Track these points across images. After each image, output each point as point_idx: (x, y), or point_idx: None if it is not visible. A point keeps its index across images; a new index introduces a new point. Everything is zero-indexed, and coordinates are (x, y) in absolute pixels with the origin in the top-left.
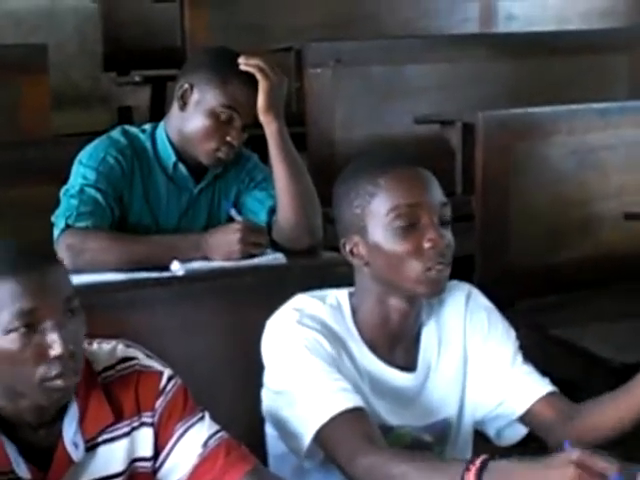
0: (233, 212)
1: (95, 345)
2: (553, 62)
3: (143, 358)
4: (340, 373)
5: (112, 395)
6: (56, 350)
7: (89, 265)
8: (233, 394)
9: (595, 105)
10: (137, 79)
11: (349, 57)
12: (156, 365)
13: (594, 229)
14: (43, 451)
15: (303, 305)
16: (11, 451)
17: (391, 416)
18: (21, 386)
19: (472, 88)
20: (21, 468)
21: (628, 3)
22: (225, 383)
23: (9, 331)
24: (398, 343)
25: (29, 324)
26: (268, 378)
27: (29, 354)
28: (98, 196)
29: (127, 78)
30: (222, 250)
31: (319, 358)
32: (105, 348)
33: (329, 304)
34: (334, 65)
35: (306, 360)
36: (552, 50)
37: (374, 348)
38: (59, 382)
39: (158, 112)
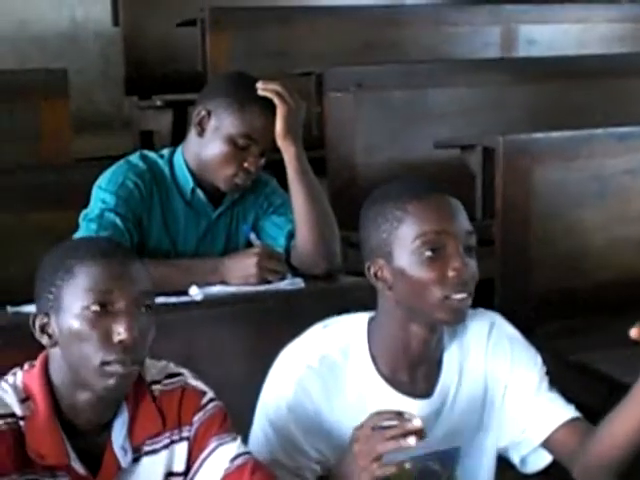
0: (253, 237)
1: (147, 359)
2: (573, 86)
3: (190, 377)
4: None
5: (158, 407)
6: (122, 335)
7: None
8: (252, 418)
9: (615, 129)
10: (159, 103)
11: (370, 82)
12: (201, 385)
13: (614, 254)
14: (92, 456)
15: (312, 354)
16: (69, 448)
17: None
18: (83, 368)
19: (493, 113)
20: (78, 464)
21: None
22: (245, 407)
23: (83, 308)
24: (418, 368)
25: (103, 304)
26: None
27: (96, 334)
28: (117, 221)
29: (149, 102)
30: (239, 274)
31: (293, 427)
32: (156, 363)
33: (339, 349)
34: (355, 90)
35: (282, 426)
36: (572, 74)
37: (392, 377)
38: (118, 367)
39: (179, 136)
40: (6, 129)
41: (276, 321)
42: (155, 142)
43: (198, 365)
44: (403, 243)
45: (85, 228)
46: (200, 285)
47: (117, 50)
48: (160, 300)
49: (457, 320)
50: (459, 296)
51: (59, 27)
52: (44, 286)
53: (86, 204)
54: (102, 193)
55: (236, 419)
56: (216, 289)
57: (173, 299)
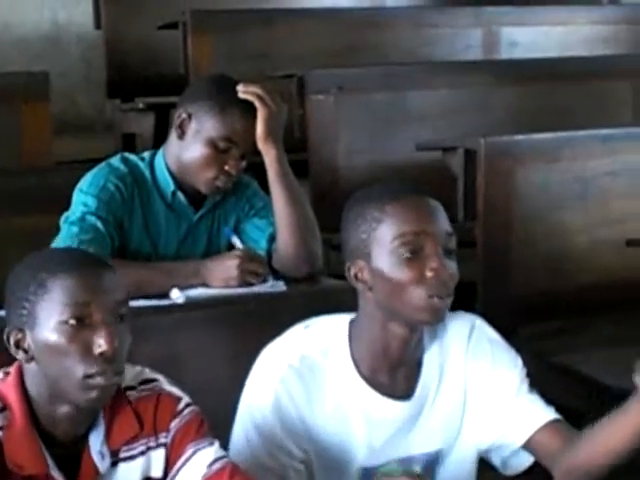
0: (234, 239)
1: None
2: (556, 88)
3: (165, 382)
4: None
5: (134, 411)
6: (102, 347)
7: None
8: (233, 421)
9: (598, 131)
10: (141, 106)
11: (351, 84)
12: (177, 391)
13: (596, 256)
14: (70, 463)
15: (293, 354)
16: (48, 456)
17: (383, 447)
18: (64, 382)
19: (475, 115)
20: (57, 472)
21: (631, 30)
22: (226, 410)
23: (60, 323)
24: (398, 369)
25: (80, 317)
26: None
27: (76, 348)
28: (98, 224)
29: (131, 105)
30: (220, 277)
31: (280, 429)
32: (131, 369)
33: (320, 350)
34: (336, 92)
35: (264, 425)
36: (555, 76)
37: (372, 378)
38: (100, 380)
39: (161, 139)
40: None
41: (258, 324)
42: (137, 145)
43: (180, 368)
44: (382, 244)
45: (67, 231)
46: (182, 288)
47: (99, 53)
48: (141, 303)
49: (436, 320)
50: (438, 296)
51: (41, 30)
52: (16, 301)
53: (68, 207)
54: (83, 196)
55: (218, 422)
56: (197, 292)
57: (154, 302)
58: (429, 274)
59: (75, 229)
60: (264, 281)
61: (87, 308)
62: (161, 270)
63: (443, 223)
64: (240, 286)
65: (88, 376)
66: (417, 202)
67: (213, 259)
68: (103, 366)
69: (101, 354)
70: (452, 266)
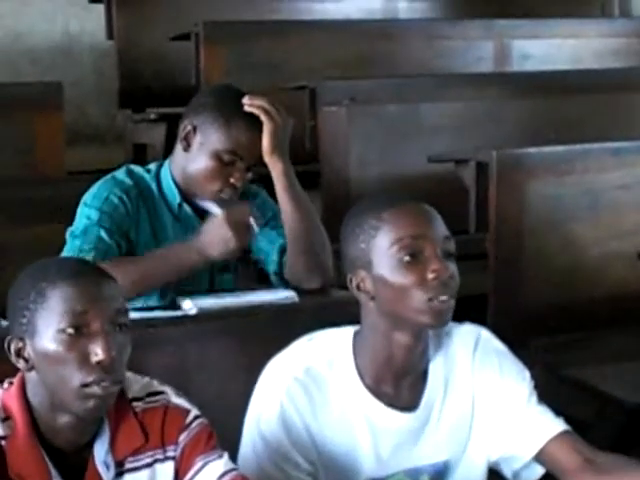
0: (210, 205)
1: (130, 374)
2: (567, 101)
3: (173, 395)
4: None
5: (139, 422)
6: (99, 356)
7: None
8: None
9: (609, 144)
10: (152, 117)
11: (363, 96)
12: (185, 403)
13: (608, 268)
14: (75, 474)
15: (298, 366)
16: (51, 467)
17: (390, 457)
18: (62, 391)
19: (486, 127)
20: None
21: None
22: (238, 420)
23: (58, 331)
24: (403, 380)
25: (78, 326)
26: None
27: (73, 356)
28: (102, 233)
29: (142, 115)
30: (218, 245)
31: (287, 441)
32: (139, 380)
33: (324, 362)
34: (348, 103)
35: (271, 438)
36: (566, 89)
37: (376, 389)
38: (97, 389)
39: (172, 150)
40: (1, 141)
41: (269, 335)
42: (148, 155)
43: (191, 379)
44: (381, 251)
45: (70, 244)
46: (184, 268)
47: (111, 63)
48: (154, 314)
49: (440, 323)
50: (440, 298)
51: (53, 40)
52: (17, 310)
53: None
54: (87, 209)
55: (228, 434)
56: (210, 302)
57: (167, 313)
58: (430, 276)
59: (78, 242)
60: (260, 224)
61: (85, 317)
62: (160, 257)
63: (440, 227)
64: (242, 244)
65: (85, 385)
66: (413, 208)
67: (201, 232)
68: (100, 375)
69: (98, 363)
70: (452, 268)
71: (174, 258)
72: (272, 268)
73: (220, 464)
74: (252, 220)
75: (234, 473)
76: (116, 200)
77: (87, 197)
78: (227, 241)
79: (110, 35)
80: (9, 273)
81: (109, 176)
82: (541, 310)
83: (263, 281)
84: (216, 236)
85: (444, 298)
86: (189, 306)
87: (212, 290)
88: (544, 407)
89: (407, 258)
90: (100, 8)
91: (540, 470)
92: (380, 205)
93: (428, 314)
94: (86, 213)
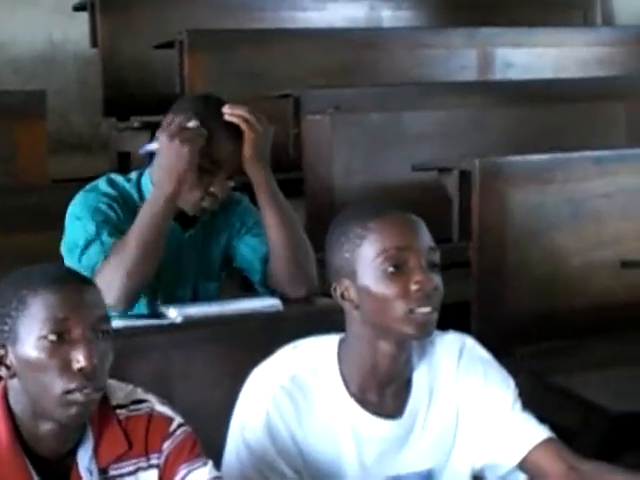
0: (149, 147)
1: (114, 382)
2: (550, 110)
3: (157, 403)
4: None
5: (123, 429)
6: (81, 363)
7: (121, 289)
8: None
9: (592, 153)
10: (136, 125)
11: (347, 104)
12: (169, 411)
13: (591, 277)
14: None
15: (283, 374)
16: (34, 473)
17: (374, 465)
18: (44, 398)
19: (470, 135)
20: None
21: (625, 51)
22: (223, 428)
23: (40, 338)
24: (388, 388)
25: (59, 333)
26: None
27: (55, 363)
28: (103, 238)
29: (127, 124)
30: (174, 171)
31: (273, 449)
32: (123, 387)
33: (309, 370)
34: (332, 112)
35: (256, 446)
36: (549, 98)
37: (361, 396)
38: (79, 396)
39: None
40: None
41: (254, 343)
42: (132, 163)
43: (175, 387)
44: (366, 261)
45: (77, 265)
46: (158, 218)
47: (95, 71)
48: (138, 323)
49: (423, 334)
50: (423, 309)
51: (36, 48)
52: None
53: (62, 226)
54: (79, 223)
55: (212, 442)
56: (195, 310)
57: (152, 322)
58: (414, 287)
59: (85, 261)
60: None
61: (66, 323)
62: (141, 220)
63: (425, 238)
64: (193, 152)
65: (67, 392)
66: (399, 218)
67: (158, 166)
68: (82, 382)
69: (80, 370)
70: (437, 279)
71: (155, 207)
72: (256, 277)
73: (204, 472)
74: (191, 123)
75: None
76: (105, 208)
77: (74, 210)
78: (179, 158)
79: (94, 43)
80: None
81: (90, 187)
82: (524, 318)
83: (248, 289)
84: (169, 164)
85: (426, 310)
86: (174, 314)
87: (197, 298)
88: (528, 414)
89: (391, 269)
90: (84, 16)
91: (524, 478)
92: (366, 214)
93: (410, 325)
94: (81, 226)
